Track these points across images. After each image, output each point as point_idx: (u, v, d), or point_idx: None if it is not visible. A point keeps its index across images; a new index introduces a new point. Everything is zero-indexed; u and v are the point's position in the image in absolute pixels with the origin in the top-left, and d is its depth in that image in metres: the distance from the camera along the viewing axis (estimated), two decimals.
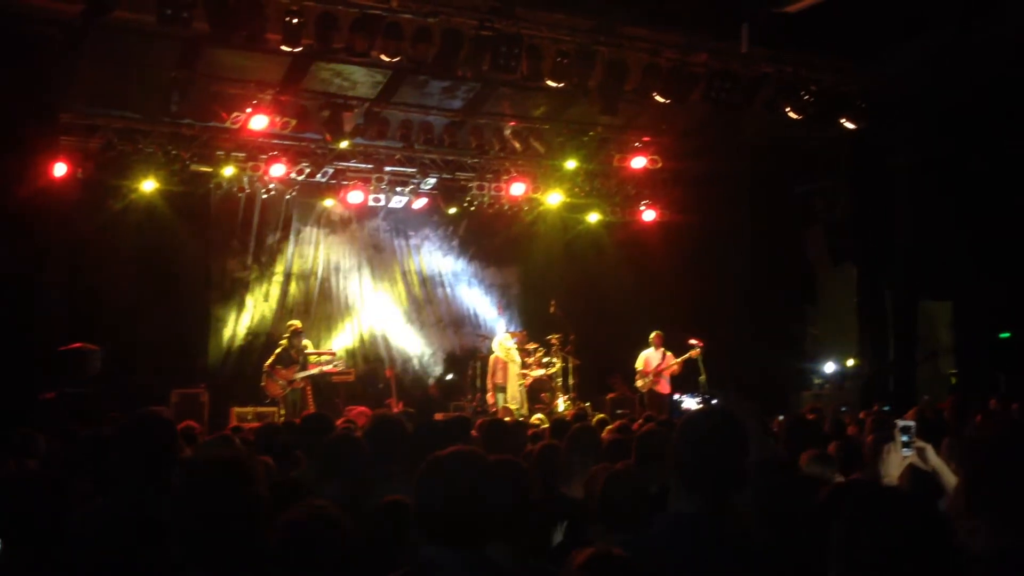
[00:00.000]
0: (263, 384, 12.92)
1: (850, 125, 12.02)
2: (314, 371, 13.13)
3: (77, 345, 10.51)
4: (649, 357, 14.09)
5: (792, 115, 11.63)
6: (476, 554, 2.60)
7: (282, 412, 12.60)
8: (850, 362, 14.80)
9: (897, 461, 3.93)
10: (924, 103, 11.91)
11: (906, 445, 3.88)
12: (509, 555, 2.84)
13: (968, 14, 10.23)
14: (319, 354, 13.81)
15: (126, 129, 12.68)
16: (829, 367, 15.36)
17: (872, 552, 1.97)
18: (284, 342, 13.12)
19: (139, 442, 3.42)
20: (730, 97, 11.29)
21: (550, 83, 10.69)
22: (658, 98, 11.23)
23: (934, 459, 3.85)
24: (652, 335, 14.11)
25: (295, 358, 13.00)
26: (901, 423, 3.95)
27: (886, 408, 9.72)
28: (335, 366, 13.54)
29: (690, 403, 13.47)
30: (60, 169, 11.77)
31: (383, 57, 9.92)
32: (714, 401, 12.83)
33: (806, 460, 4.41)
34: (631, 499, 3.49)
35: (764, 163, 14.30)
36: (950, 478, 3.80)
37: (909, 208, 13.20)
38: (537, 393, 14.46)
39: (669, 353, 14.02)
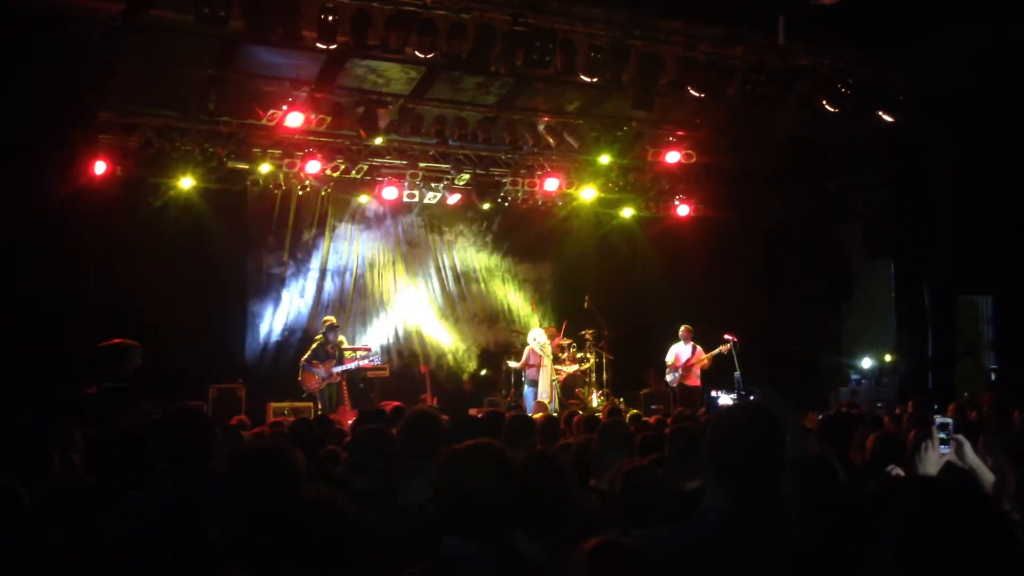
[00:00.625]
0: (300, 379, 13.05)
1: (887, 118, 11.88)
2: (350, 366, 13.23)
3: (117, 341, 10.62)
4: (679, 351, 14.06)
5: (828, 108, 11.52)
6: (500, 546, 2.61)
7: (318, 407, 12.71)
8: (887, 357, 14.65)
9: (935, 458, 3.89)
10: (963, 96, 11.74)
11: (943, 442, 3.84)
12: (541, 546, 2.84)
13: (1005, 6, 10.07)
14: (354, 349, 13.94)
15: (164, 127, 12.84)
16: (866, 363, 15.22)
17: (934, 548, 1.94)
18: (320, 337, 13.24)
19: (176, 436, 3.47)
20: (766, 91, 11.21)
21: (584, 78, 10.67)
22: (693, 92, 11.16)
23: (971, 456, 3.81)
24: (681, 329, 14.09)
25: (331, 353, 13.11)
26: (939, 420, 3.91)
27: (930, 404, 9.59)
28: (370, 361, 13.64)
29: (725, 399, 13.42)
30: (100, 167, 11.94)
31: (417, 53, 9.96)
32: (750, 397, 12.77)
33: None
34: (651, 493, 3.48)
35: (799, 158, 14.18)
36: (987, 475, 3.75)
37: (948, 201, 13.04)
38: (571, 389, 14.47)
39: (699, 347, 13.99)
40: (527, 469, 3.00)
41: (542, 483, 2.98)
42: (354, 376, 13.60)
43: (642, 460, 3.85)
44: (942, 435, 3.86)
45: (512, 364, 14.40)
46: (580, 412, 9.61)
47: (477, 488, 2.65)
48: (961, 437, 3.88)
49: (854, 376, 15.28)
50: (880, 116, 11.88)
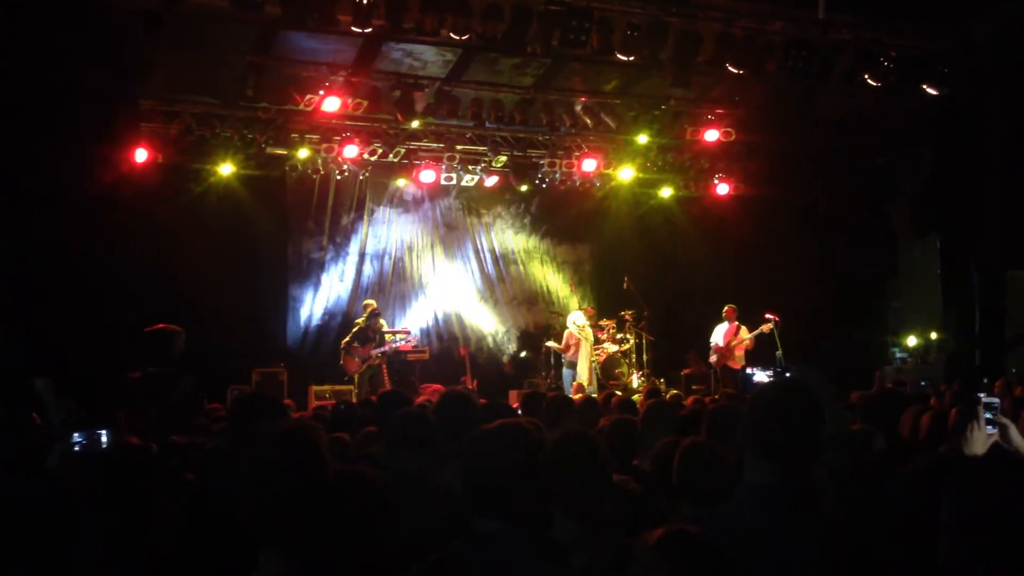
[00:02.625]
0: (341, 362, 13.17)
1: (933, 92, 11.63)
2: (387, 348, 13.31)
3: (161, 326, 10.81)
4: (722, 331, 13.97)
5: (872, 83, 11.30)
6: (532, 528, 2.60)
7: (356, 390, 12.83)
8: (933, 335, 14.43)
9: (981, 439, 3.81)
10: (1012, 68, 11.46)
11: (990, 422, 3.76)
12: (576, 529, 2.83)
13: None
14: (394, 332, 14.01)
15: (204, 114, 12.97)
16: (912, 341, 15.00)
17: (988, 528, 1.90)
18: (360, 321, 13.35)
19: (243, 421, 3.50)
20: (807, 66, 11.01)
21: (620, 57, 10.57)
22: (732, 69, 11.01)
23: (1017, 438, 3.73)
24: (725, 309, 13.99)
25: (371, 336, 13.21)
26: (985, 399, 3.83)
27: (977, 382, 9.41)
28: (408, 343, 13.71)
29: (761, 376, 13.29)
30: (141, 155, 12.11)
31: (453, 35, 9.93)
32: (787, 374, 12.64)
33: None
34: (708, 472, 3.45)
35: (842, 134, 13.94)
36: None
37: (996, 176, 12.76)
38: (611, 369, 14.43)
39: (743, 327, 13.88)
40: (559, 449, 2.99)
41: (575, 463, 2.96)
42: (393, 360, 13.67)
43: (683, 440, 3.81)
44: (988, 415, 3.78)
45: (551, 344, 14.40)
46: (618, 393, 9.57)
47: (505, 468, 2.64)
48: (1006, 420, 3.80)
49: (900, 354, 15.08)
50: (925, 90, 11.63)
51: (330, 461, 2.50)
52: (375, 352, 13.13)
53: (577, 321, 13.93)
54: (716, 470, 3.42)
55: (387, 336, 13.56)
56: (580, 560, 2.78)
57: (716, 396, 9.73)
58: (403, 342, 13.62)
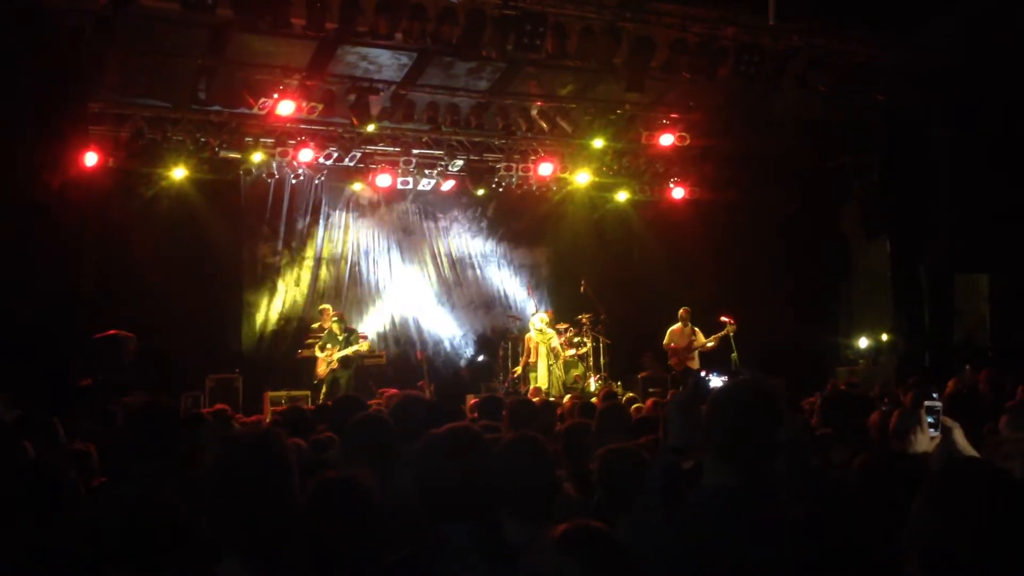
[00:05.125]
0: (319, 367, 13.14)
1: (883, 98, 11.83)
2: (348, 351, 13.17)
3: (112, 332, 10.64)
4: (677, 333, 14.06)
5: (822, 88, 11.47)
6: (486, 531, 2.60)
7: (323, 392, 12.78)
8: (884, 337, 14.66)
9: (925, 441, 3.88)
10: (960, 74, 11.69)
11: (932, 426, 3.82)
12: (527, 531, 2.84)
13: None
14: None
15: (155, 117, 12.78)
16: (863, 342, 15.22)
17: (967, 532, 1.90)
18: (316, 326, 13.30)
19: (144, 432, 3.46)
20: (759, 71, 11.15)
21: (575, 62, 10.61)
22: (685, 74, 11.11)
23: (961, 440, 3.78)
24: (680, 311, 14.08)
25: (334, 339, 13.16)
26: (927, 403, 3.89)
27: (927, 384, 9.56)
28: (362, 345, 13.66)
29: (716, 381, 13.37)
30: (91, 158, 11.90)
31: (408, 39, 9.90)
32: (741, 377, 12.75)
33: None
34: (631, 474, 3.46)
35: (795, 138, 14.12)
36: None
37: (945, 180, 13.00)
38: (569, 373, 14.45)
39: (698, 329, 13.99)
40: (508, 452, 2.99)
41: (524, 466, 2.97)
42: (349, 363, 13.58)
43: (630, 442, 3.83)
44: (930, 419, 3.83)
45: (518, 369, 14.29)
46: (575, 397, 9.60)
47: (455, 472, 2.64)
48: (950, 421, 3.85)
49: (852, 356, 15.30)
50: (874, 95, 11.82)
51: (295, 466, 2.48)
52: (336, 357, 13.04)
53: (536, 324, 13.94)
54: (635, 473, 3.43)
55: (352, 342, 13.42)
56: (532, 561, 2.77)
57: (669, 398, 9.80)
58: (357, 345, 13.47)
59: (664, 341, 14.17)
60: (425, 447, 2.73)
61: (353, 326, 13.67)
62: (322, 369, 13.08)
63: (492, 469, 2.76)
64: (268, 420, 8.40)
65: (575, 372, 14.41)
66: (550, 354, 13.81)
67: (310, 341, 13.62)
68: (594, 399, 10.22)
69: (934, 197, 13.16)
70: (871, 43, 11.64)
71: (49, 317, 9.02)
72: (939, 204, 13.14)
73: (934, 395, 4.21)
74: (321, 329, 13.52)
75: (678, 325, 14.13)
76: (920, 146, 13.16)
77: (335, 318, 13.40)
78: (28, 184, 9.02)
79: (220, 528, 2.41)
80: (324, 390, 12.90)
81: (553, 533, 2.11)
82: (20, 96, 9.08)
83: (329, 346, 13.13)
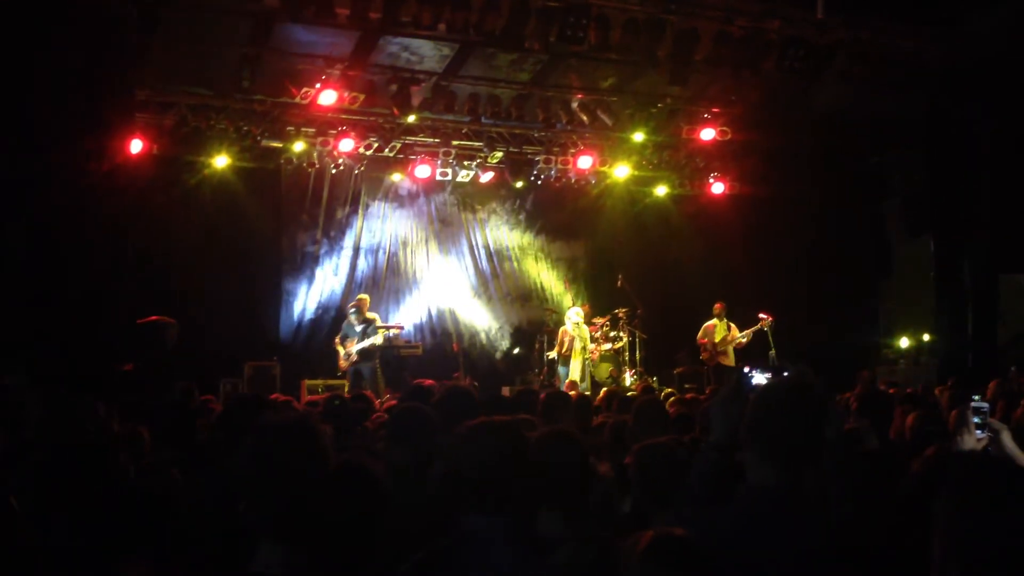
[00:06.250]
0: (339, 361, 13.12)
1: (927, 92, 11.65)
2: (366, 343, 13.05)
3: (153, 318, 10.74)
4: (711, 328, 13.97)
5: (868, 83, 11.32)
6: (518, 524, 2.60)
7: (347, 386, 12.74)
8: (926, 337, 14.45)
9: (971, 443, 3.80)
10: (1007, 69, 11.47)
11: (979, 427, 3.74)
12: (561, 524, 2.83)
13: None
14: (387, 327, 13.88)
15: (199, 105, 12.90)
16: (904, 342, 15.02)
17: (986, 526, 1.89)
18: (346, 320, 13.30)
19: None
20: (804, 65, 11.03)
21: (618, 54, 10.56)
22: (729, 68, 11.02)
23: (1009, 443, 3.71)
24: (715, 306, 14.00)
25: (352, 332, 13.08)
26: (974, 404, 3.81)
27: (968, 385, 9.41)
28: (395, 335, 13.61)
29: (760, 378, 13.26)
30: (136, 146, 12.04)
31: (450, 30, 9.91)
32: (784, 374, 12.62)
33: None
34: (667, 470, 3.44)
35: (837, 134, 13.95)
36: None
37: (990, 178, 12.78)
38: (604, 368, 14.41)
39: (733, 324, 13.89)
40: (543, 445, 2.99)
41: (559, 460, 2.96)
42: (387, 355, 13.60)
43: (668, 438, 3.80)
44: (976, 419, 3.76)
45: (551, 355, 14.27)
46: (614, 391, 9.57)
47: (490, 464, 2.64)
48: (998, 424, 3.78)
49: (892, 356, 15.10)
50: (919, 90, 11.65)
51: (331, 453, 2.49)
52: (353, 349, 12.94)
53: (572, 318, 13.91)
54: (676, 469, 3.41)
55: (380, 331, 13.36)
56: (563, 555, 2.79)
57: (707, 395, 9.72)
58: (387, 333, 13.38)
59: (698, 336, 14.09)
60: (460, 438, 2.73)
61: (373, 315, 13.48)
62: (343, 363, 13.02)
63: (527, 462, 2.76)
64: (302, 407, 8.42)
65: (609, 367, 14.36)
66: (584, 348, 13.78)
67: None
68: (631, 394, 10.18)
69: (978, 195, 12.94)
70: (917, 37, 11.47)
71: (92, 303, 9.14)
72: (983, 202, 12.92)
73: (976, 396, 4.14)
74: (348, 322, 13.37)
75: (713, 320, 14.05)
76: (965, 143, 12.93)
77: (353, 309, 13.29)
78: (76, 170, 9.13)
79: (257, 516, 2.42)
80: (347, 383, 12.86)
81: (638, 542, 2.12)
82: (67, 84, 9.18)
83: (349, 339, 13.09)
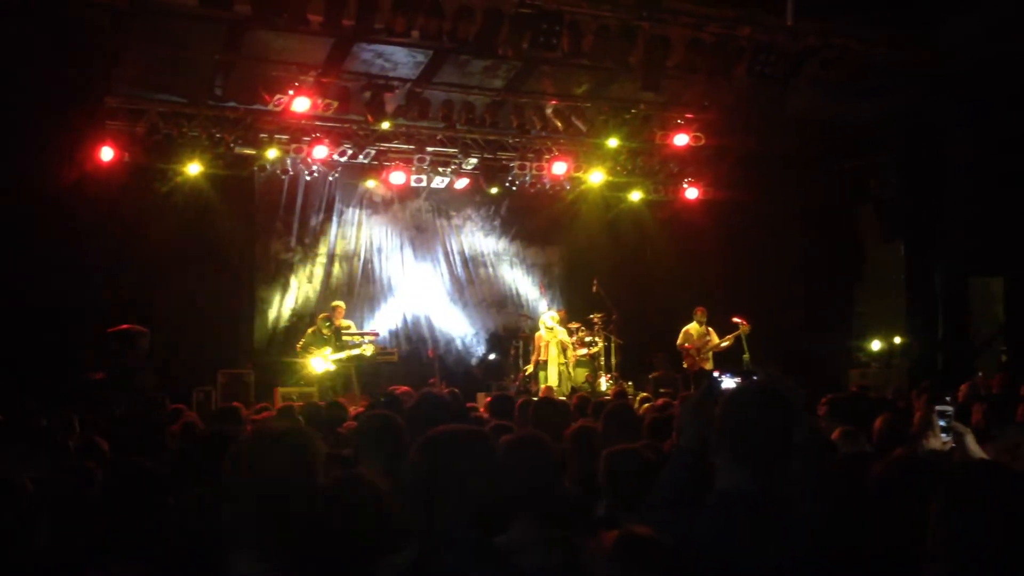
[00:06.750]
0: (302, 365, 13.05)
1: (899, 98, 11.77)
2: (342, 354, 13.06)
3: (125, 326, 10.68)
4: (692, 333, 14.00)
5: (840, 89, 11.42)
6: (489, 530, 2.60)
7: (317, 393, 12.69)
8: (897, 340, 14.58)
9: (937, 446, 3.85)
10: (979, 76, 11.61)
11: (944, 430, 3.79)
12: (528, 529, 2.84)
13: None
14: (361, 334, 13.88)
15: (171, 113, 12.82)
16: (876, 345, 15.15)
17: (983, 525, 1.92)
18: (313, 328, 13.23)
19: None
20: (775, 71, 11.10)
21: (591, 61, 10.59)
22: (701, 74, 11.08)
23: (973, 446, 3.76)
24: (696, 310, 14.00)
25: (326, 340, 13.04)
26: (938, 407, 3.86)
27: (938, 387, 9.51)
28: (371, 339, 13.59)
29: (729, 382, 13.30)
30: (107, 153, 11.96)
31: (424, 37, 9.90)
32: (754, 378, 12.67)
33: (839, 436, 4.35)
34: (636, 475, 3.45)
35: (810, 139, 14.05)
36: None
37: (962, 183, 12.92)
38: (579, 372, 14.44)
39: (712, 329, 13.93)
40: (512, 452, 2.99)
41: (529, 465, 2.97)
42: (362, 362, 13.58)
43: (637, 443, 3.83)
44: (942, 422, 3.81)
45: (529, 369, 14.27)
46: (587, 396, 9.58)
47: (467, 472, 2.63)
48: (962, 427, 3.83)
49: (864, 358, 15.22)
50: (892, 96, 11.76)
51: (321, 464, 2.48)
52: (332, 357, 12.92)
53: (547, 323, 13.93)
54: (641, 474, 3.42)
55: (351, 338, 13.39)
56: (532, 559, 2.78)
57: (681, 399, 9.76)
58: (361, 346, 13.41)
59: (679, 341, 14.11)
60: (418, 449, 2.71)
61: (348, 323, 13.50)
62: (312, 371, 12.97)
63: (495, 469, 2.75)
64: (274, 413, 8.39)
65: (584, 372, 14.38)
66: (560, 353, 13.79)
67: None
68: (606, 398, 10.21)
69: (950, 199, 13.08)
70: (889, 43, 11.56)
71: (63, 311, 9.07)
72: (955, 206, 13.06)
73: (947, 399, 4.20)
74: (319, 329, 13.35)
75: (693, 325, 14.06)
76: (937, 148, 13.08)
77: (324, 318, 13.24)
78: (44, 178, 9.05)
79: (240, 525, 2.40)
80: (316, 390, 12.81)
81: (604, 542, 2.13)
82: (37, 90, 9.11)
83: (314, 348, 13.02)
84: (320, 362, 12.88)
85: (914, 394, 8.64)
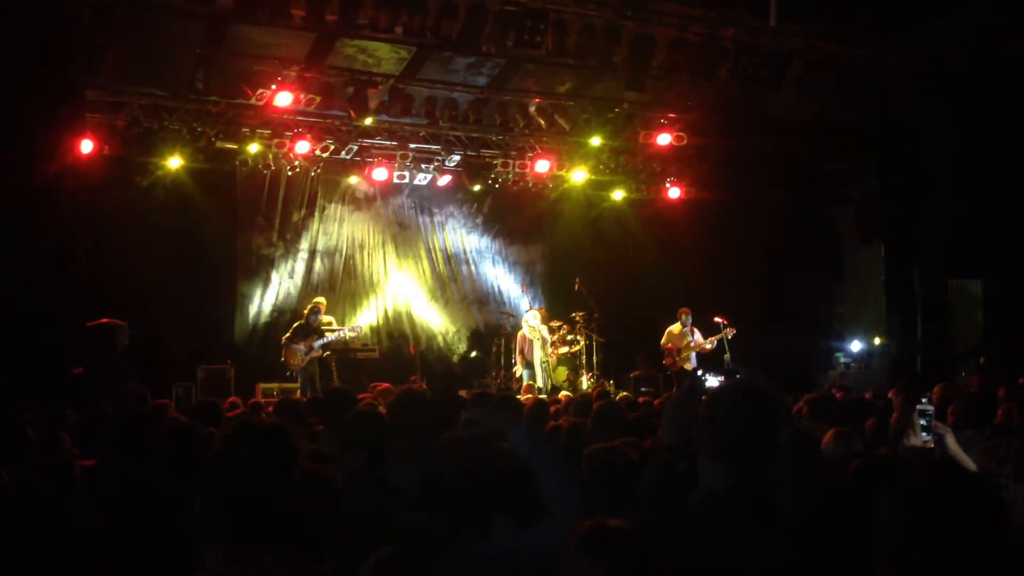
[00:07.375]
0: (283, 358, 12.96)
1: (881, 100, 11.85)
2: (331, 337, 13.04)
3: (104, 321, 10.58)
4: (675, 333, 14.01)
5: (822, 91, 11.48)
6: (477, 527, 2.60)
7: (299, 386, 12.64)
8: (877, 341, 14.68)
9: (917, 444, 3.88)
10: (959, 78, 11.70)
11: (925, 429, 3.82)
12: (514, 527, 2.84)
13: None
14: (341, 330, 13.83)
15: (152, 106, 12.73)
16: (856, 346, 15.25)
17: (930, 525, 1.93)
18: (302, 320, 13.18)
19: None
20: (758, 73, 11.16)
21: (575, 60, 10.61)
22: (684, 74, 11.11)
23: (953, 445, 3.79)
24: (680, 310, 13.99)
25: (312, 331, 12.99)
26: (919, 407, 3.89)
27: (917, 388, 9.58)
28: (354, 332, 13.58)
29: (712, 381, 13.34)
30: (87, 146, 11.81)
31: (407, 33, 9.88)
32: (737, 376, 12.72)
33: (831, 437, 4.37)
34: (619, 473, 3.46)
35: (792, 140, 14.14)
36: (970, 465, 3.74)
37: (941, 185, 13.02)
38: (561, 371, 14.44)
39: (696, 329, 13.94)
40: (493, 449, 2.99)
41: (512, 464, 2.96)
42: (344, 357, 13.55)
43: (620, 441, 3.84)
44: (923, 422, 3.83)
45: (517, 371, 14.25)
46: (568, 394, 9.61)
47: (462, 475, 2.64)
48: (943, 427, 3.86)
49: (844, 359, 15.31)
50: (873, 98, 11.84)
51: (303, 461, 2.47)
52: (316, 344, 12.89)
53: (530, 321, 13.93)
54: (623, 472, 3.43)
55: (328, 334, 13.33)
56: (515, 557, 2.78)
57: (663, 398, 9.78)
58: (350, 333, 13.43)
59: (662, 340, 14.12)
60: (440, 450, 2.72)
61: (328, 319, 13.46)
62: (299, 360, 12.89)
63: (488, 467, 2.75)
64: (248, 408, 8.34)
65: (565, 371, 14.39)
66: (543, 350, 13.79)
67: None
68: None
69: (930, 202, 13.17)
70: (871, 46, 11.64)
71: (41, 305, 8.98)
72: (935, 209, 13.15)
73: (924, 399, 4.22)
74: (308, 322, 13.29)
75: (677, 325, 14.06)
76: (918, 150, 13.16)
77: (313, 310, 13.17)
78: (23, 171, 8.96)
79: (212, 512, 2.38)
80: (299, 383, 12.77)
81: (575, 534, 2.13)
82: (16, 82, 9.02)
83: (299, 339, 12.96)
84: (305, 349, 12.82)
85: (892, 393, 8.69)
